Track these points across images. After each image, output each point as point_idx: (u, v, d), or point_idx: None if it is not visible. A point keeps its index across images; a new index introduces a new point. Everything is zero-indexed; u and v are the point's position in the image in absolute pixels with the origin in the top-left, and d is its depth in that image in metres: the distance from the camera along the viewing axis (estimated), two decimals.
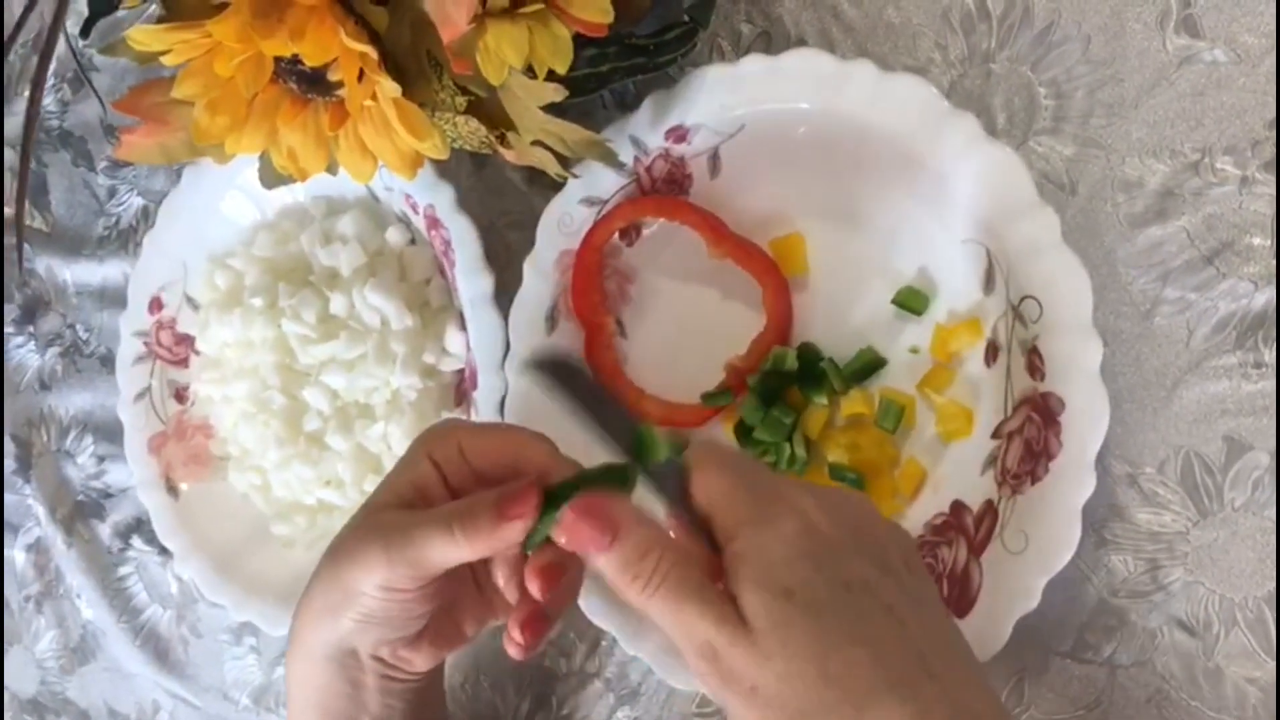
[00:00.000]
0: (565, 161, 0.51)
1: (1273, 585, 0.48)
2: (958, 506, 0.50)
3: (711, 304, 0.57)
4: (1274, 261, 0.49)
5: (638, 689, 0.58)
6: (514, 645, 0.44)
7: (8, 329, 0.80)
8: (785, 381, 0.54)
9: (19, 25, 0.61)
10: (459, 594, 0.48)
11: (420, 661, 0.48)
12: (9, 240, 0.81)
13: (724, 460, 0.40)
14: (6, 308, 0.80)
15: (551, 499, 0.42)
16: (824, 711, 0.35)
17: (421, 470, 0.45)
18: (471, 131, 0.49)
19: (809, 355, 0.54)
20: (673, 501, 0.40)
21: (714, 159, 0.55)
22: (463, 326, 0.59)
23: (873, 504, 0.41)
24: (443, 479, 0.45)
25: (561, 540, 0.40)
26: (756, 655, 0.36)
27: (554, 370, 0.43)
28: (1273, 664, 0.47)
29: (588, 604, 0.54)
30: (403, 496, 0.45)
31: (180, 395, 0.69)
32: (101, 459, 0.76)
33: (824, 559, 0.37)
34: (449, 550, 0.42)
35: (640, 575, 0.38)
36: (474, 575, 0.48)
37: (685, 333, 0.57)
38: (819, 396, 0.53)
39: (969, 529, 0.50)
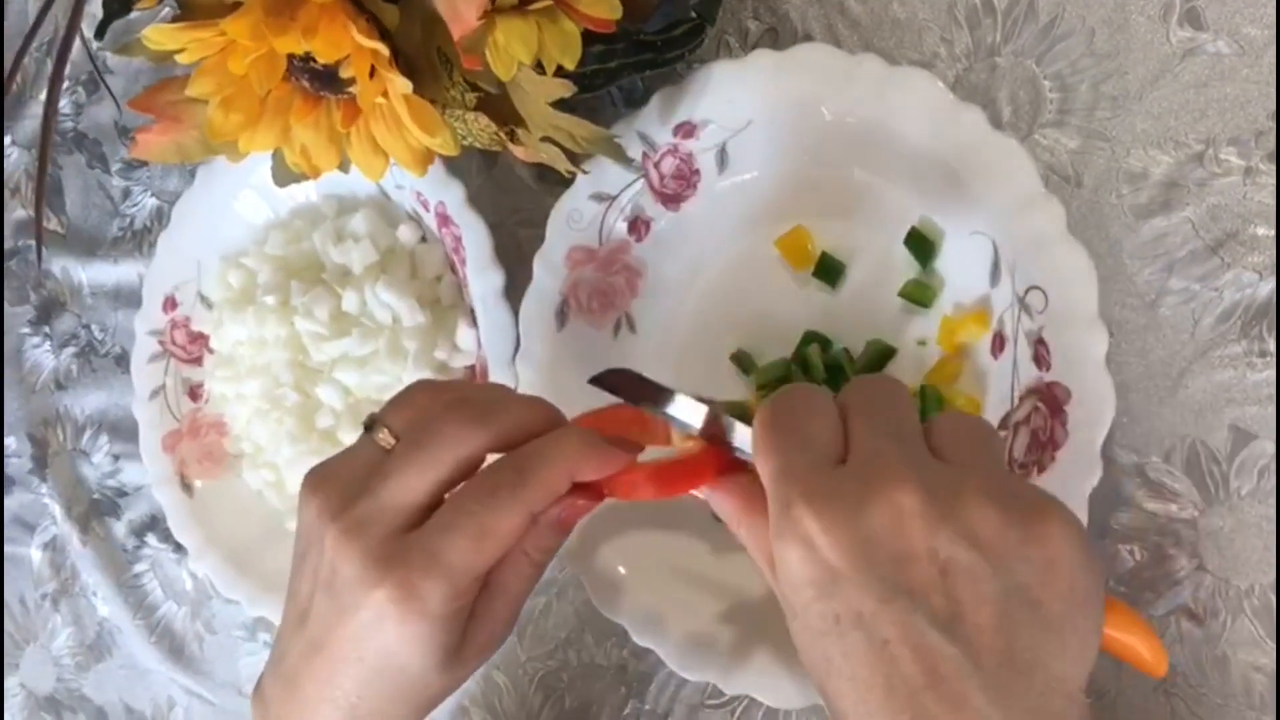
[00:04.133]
0: (574, 158, 0.51)
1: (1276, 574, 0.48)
2: None
3: (720, 297, 0.58)
4: (1276, 251, 0.49)
5: (648, 680, 0.58)
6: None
7: (24, 330, 0.81)
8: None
9: (34, 27, 0.62)
10: None
11: None
12: (16, 241, 0.82)
13: (773, 442, 0.39)
14: (23, 309, 0.81)
15: None
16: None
17: (455, 611, 0.43)
18: (482, 128, 0.50)
19: (820, 343, 0.55)
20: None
21: (722, 154, 0.56)
22: (474, 323, 0.60)
23: (937, 493, 0.36)
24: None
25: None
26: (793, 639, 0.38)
27: (616, 383, 0.45)
28: (1276, 651, 0.48)
29: (599, 598, 0.54)
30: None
31: (194, 393, 0.70)
32: (116, 457, 0.77)
33: (820, 589, 0.36)
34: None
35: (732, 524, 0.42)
36: None
37: (694, 326, 0.58)
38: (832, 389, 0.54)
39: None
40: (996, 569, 0.35)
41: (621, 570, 0.55)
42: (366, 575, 0.41)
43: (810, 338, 0.55)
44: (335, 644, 0.42)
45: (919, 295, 0.53)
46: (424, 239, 0.63)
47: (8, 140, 0.82)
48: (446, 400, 0.44)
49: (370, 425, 0.45)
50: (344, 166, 0.51)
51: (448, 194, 0.58)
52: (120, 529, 0.76)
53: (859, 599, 0.35)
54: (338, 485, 0.43)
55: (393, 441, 0.44)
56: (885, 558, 0.35)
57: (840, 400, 0.40)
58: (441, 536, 0.41)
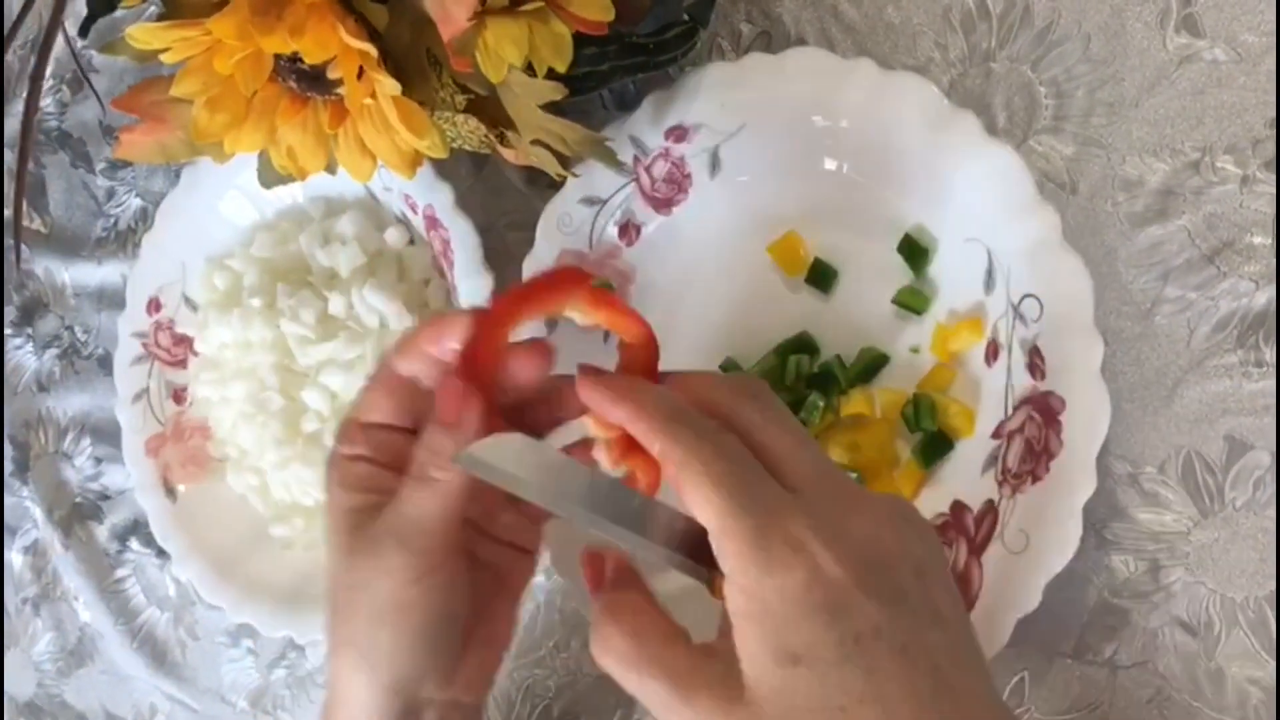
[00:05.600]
0: (565, 161, 0.51)
1: (1274, 585, 0.48)
2: (958, 506, 0.50)
3: (711, 303, 0.57)
4: (1275, 260, 0.49)
5: None
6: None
7: (6, 330, 0.80)
8: (798, 386, 0.54)
9: (16, 25, 0.61)
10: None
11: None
12: (7, 242, 0.81)
13: (718, 469, 0.36)
14: (5, 310, 0.80)
15: None
16: None
17: (353, 471, 0.42)
18: (471, 130, 0.49)
19: (809, 347, 0.54)
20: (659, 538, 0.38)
21: (714, 158, 0.55)
22: None
23: (877, 500, 0.37)
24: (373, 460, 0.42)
25: None
26: None
27: (488, 454, 0.39)
28: (1274, 664, 0.47)
29: (586, 605, 0.53)
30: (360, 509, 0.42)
31: (178, 396, 0.69)
32: (99, 461, 0.76)
33: (834, 612, 0.34)
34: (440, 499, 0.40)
35: (604, 638, 0.37)
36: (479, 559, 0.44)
37: (685, 331, 0.57)
38: (819, 398, 0.53)
39: (969, 529, 0.49)
40: (942, 559, 0.38)
41: None
42: None
43: (787, 349, 0.55)
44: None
45: (912, 302, 0.53)
46: (412, 242, 0.63)
47: None
48: None
49: None
50: (331, 168, 0.50)
51: (436, 196, 0.57)
52: (103, 533, 0.75)
53: (874, 613, 0.34)
54: None
55: None
56: (878, 567, 0.35)
57: (725, 409, 0.38)
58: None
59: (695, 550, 0.38)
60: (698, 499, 0.36)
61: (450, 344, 0.40)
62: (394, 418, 0.42)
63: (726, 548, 0.35)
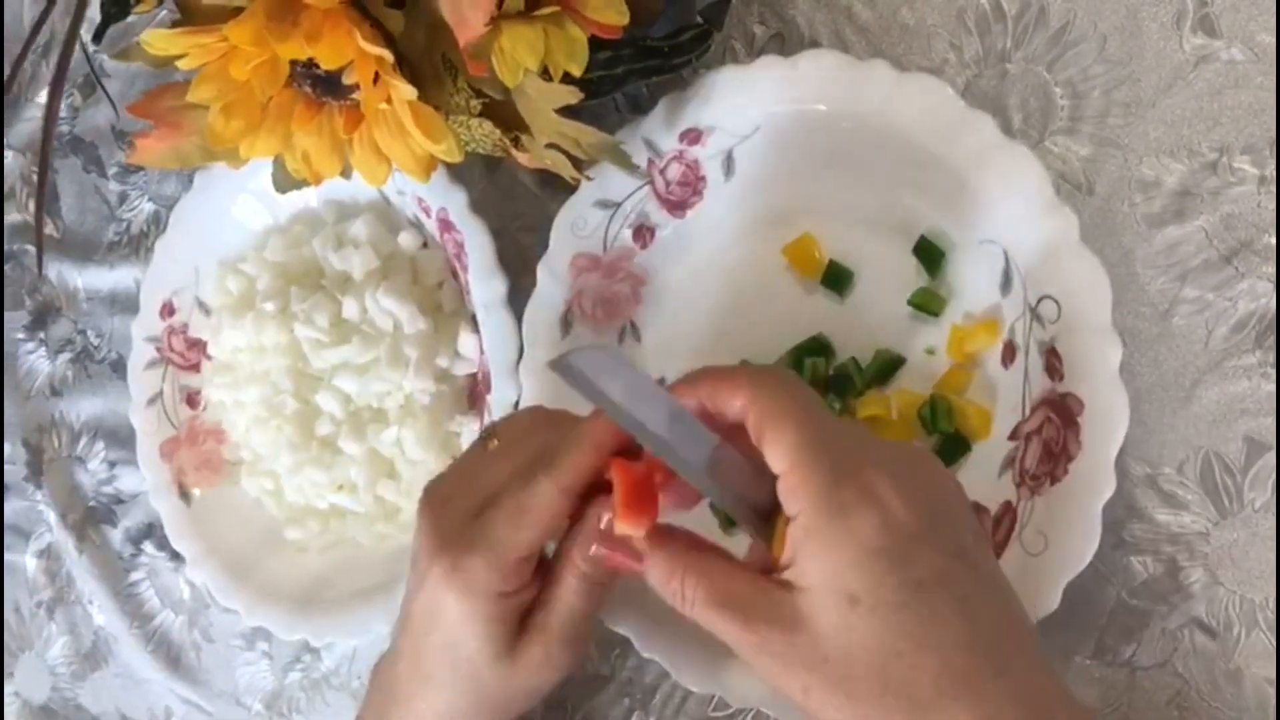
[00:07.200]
0: (579, 164, 0.51)
1: None
2: (976, 508, 0.50)
3: (726, 306, 0.57)
4: None
5: (652, 692, 0.58)
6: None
7: (19, 335, 0.80)
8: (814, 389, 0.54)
9: (34, 32, 0.61)
10: None
11: None
12: (11, 246, 0.81)
13: (797, 414, 0.38)
14: (18, 315, 0.80)
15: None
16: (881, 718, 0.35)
17: (511, 605, 0.44)
18: (485, 134, 0.49)
19: (825, 350, 0.54)
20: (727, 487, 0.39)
21: (728, 161, 0.55)
22: (476, 330, 0.59)
23: (941, 466, 0.40)
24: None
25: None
26: (813, 656, 0.36)
27: (584, 365, 0.40)
28: None
29: (602, 608, 0.53)
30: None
31: (192, 400, 0.69)
32: (113, 465, 0.76)
33: (899, 557, 0.35)
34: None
35: (674, 593, 0.39)
36: None
37: (699, 334, 0.57)
38: (835, 401, 0.53)
39: (987, 531, 0.49)
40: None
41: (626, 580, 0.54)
42: (429, 552, 0.43)
43: (802, 351, 0.54)
44: (409, 619, 0.45)
45: (928, 304, 0.53)
46: (425, 245, 0.63)
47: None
48: (546, 413, 0.48)
49: (485, 436, 0.47)
50: (346, 172, 0.50)
51: (450, 200, 0.57)
52: (117, 536, 0.75)
53: (938, 560, 0.36)
54: (443, 476, 0.47)
55: (494, 444, 0.46)
56: (943, 520, 0.37)
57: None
58: (487, 517, 0.43)
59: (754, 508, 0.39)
60: (775, 440, 0.37)
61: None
62: (547, 540, 0.44)
63: (800, 488, 0.36)
